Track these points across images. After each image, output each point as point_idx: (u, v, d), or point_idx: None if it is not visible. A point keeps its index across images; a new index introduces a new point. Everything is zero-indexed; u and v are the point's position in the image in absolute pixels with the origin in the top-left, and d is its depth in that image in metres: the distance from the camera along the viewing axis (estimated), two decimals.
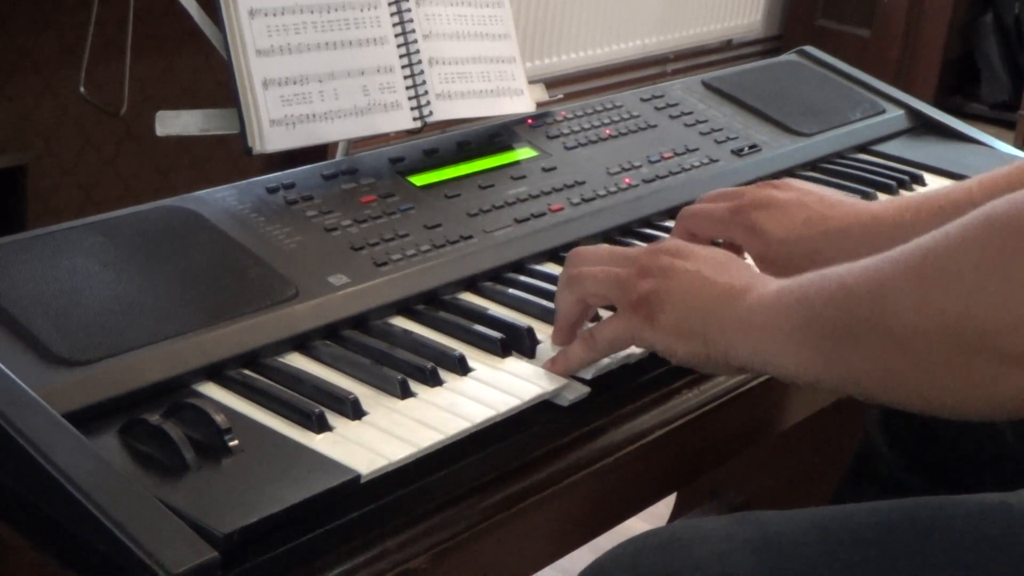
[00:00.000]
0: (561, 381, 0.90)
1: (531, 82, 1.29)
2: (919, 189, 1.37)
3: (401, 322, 0.96)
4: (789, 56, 1.63)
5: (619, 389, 0.93)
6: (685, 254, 0.90)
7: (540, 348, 0.93)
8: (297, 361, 0.89)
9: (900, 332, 0.75)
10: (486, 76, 1.23)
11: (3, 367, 0.77)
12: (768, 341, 0.83)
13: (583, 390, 0.90)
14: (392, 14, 1.16)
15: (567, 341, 0.93)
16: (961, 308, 0.71)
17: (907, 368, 0.75)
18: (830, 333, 0.79)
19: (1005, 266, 0.70)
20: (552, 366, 0.91)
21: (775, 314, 0.83)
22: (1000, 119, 4.12)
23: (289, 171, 1.07)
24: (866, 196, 1.30)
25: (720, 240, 1.07)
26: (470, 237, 1.05)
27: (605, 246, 0.96)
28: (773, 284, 0.86)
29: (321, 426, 0.80)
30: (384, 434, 0.80)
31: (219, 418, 0.76)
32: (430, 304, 0.99)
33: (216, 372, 0.85)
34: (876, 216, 1.03)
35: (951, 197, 1.03)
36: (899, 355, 0.75)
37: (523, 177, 1.17)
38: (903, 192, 1.35)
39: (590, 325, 0.95)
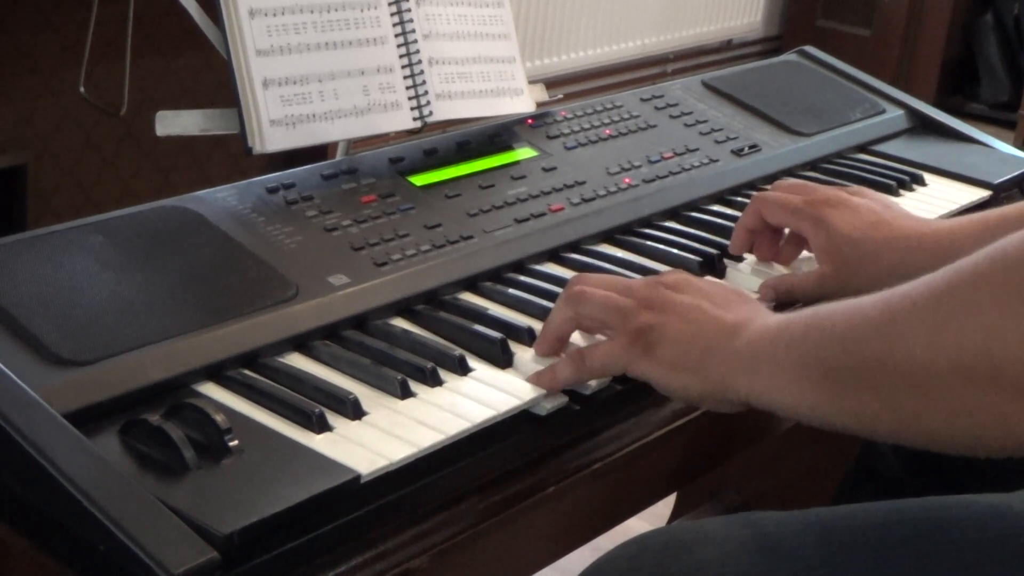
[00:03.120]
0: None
1: (531, 82, 1.29)
2: (919, 189, 1.37)
3: (401, 322, 0.96)
4: (789, 56, 1.63)
5: (619, 389, 0.93)
6: (684, 287, 0.90)
7: (529, 354, 0.92)
8: (297, 361, 0.89)
9: (912, 370, 0.74)
10: (486, 76, 1.23)
11: (3, 367, 0.77)
12: (769, 378, 0.82)
13: (564, 399, 0.89)
14: (392, 14, 1.16)
15: (549, 353, 0.92)
16: (978, 345, 0.71)
17: (920, 407, 0.74)
18: (836, 372, 0.78)
19: (1022, 304, 0.70)
20: (537, 380, 0.89)
21: (776, 349, 0.82)
22: (1000, 119, 4.12)
23: (289, 171, 1.07)
24: None
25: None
26: (470, 237, 1.05)
27: (607, 275, 0.96)
28: (774, 318, 0.85)
29: (321, 426, 0.80)
30: (384, 434, 0.80)
31: (219, 418, 0.76)
32: (430, 304, 0.99)
33: (216, 372, 0.85)
34: (935, 231, 1.05)
35: (992, 218, 1.05)
36: (911, 393, 0.74)
37: (523, 177, 1.17)
38: (903, 192, 1.35)
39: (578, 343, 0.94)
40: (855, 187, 1.15)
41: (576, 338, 0.94)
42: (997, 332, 0.70)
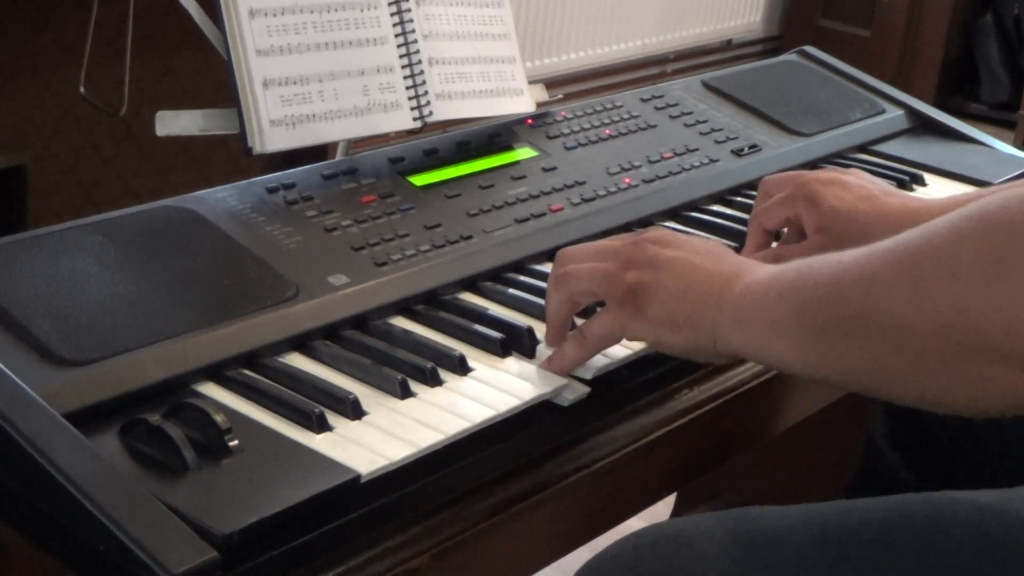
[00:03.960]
0: (561, 381, 0.90)
1: (531, 82, 1.29)
2: (919, 189, 1.37)
3: (401, 322, 0.96)
4: (789, 56, 1.63)
5: (619, 389, 0.93)
6: (668, 242, 0.90)
7: (540, 348, 0.93)
8: (297, 361, 0.89)
9: (893, 329, 0.74)
10: (486, 76, 1.23)
11: (3, 367, 0.77)
12: (758, 330, 0.82)
13: (583, 390, 0.90)
14: (392, 14, 1.16)
15: (559, 341, 0.93)
16: (957, 307, 0.71)
17: (900, 365, 0.75)
18: (821, 326, 0.79)
19: (1002, 266, 0.70)
20: (548, 365, 0.90)
21: (765, 303, 0.82)
22: (1000, 119, 4.12)
23: (289, 171, 1.07)
24: None
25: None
26: (470, 237, 1.05)
27: (591, 243, 0.96)
28: (764, 271, 0.85)
29: (321, 426, 0.80)
30: (384, 434, 0.80)
31: (219, 418, 0.76)
32: (430, 304, 0.99)
33: (216, 372, 0.85)
34: (926, 207, 1.06)
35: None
36: (892, 351, 0.75)
37: (523, 177, 1.17)
38: (911, 192, 1.35)
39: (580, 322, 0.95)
40: (850, 169, 1.15)
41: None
42: (975, 294, 0.70)
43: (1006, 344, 0.70)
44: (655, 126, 1.34)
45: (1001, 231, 0.71)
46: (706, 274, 0.86)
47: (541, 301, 0.99)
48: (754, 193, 1.27)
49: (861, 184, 1.08)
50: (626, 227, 1.16)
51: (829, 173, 1.10)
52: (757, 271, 0.86)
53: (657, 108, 1.37)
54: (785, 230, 1.11)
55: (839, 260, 0.79)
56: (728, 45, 4.06)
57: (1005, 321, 0.69)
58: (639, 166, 1.25)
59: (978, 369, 0.71)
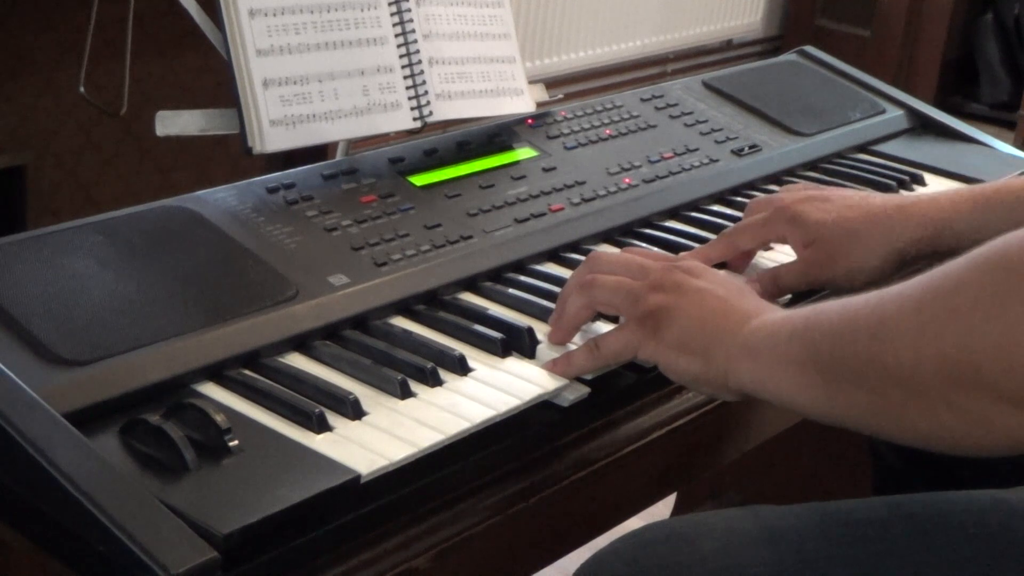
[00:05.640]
0: (561, 381, 0.90)
1: (531, 82, 1.29)
2: (919, 189, 1.37)
3: (401, 322, 0.96)
4: (789, 56, 1.63)
5: (619, 389, 0.93)
6: (699, 273, 0.91)
7: (540, 348, 0.93)
8: (297, 361, 0.89)
9: (898, 369, 0.75)
10: (486, 76, 1.23)
11: (3, 367, 0.77)
12: (768, 368, 0.83)
13: (583, 390, 0.90)
14: (392, 14, 1.16)
15: (563, 341, 0.93)
16: (958, 347, 0.72)
17: (904, 405, 0.75)
18: (830, 366, 0.79)
19: (1001, 306, 0.70)
20: (553, 367, 0.90)
21: (777, 341, 0.83)
22: (1000, 119, 4.11)
23: (289, 171, 1.07)
24: None
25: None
26: (470, 237, 1.05)
27: (624, 254, 0.96)
28: (779, 312, 0.86)
29: (321, 426, 0.80)
30: (384, 434, 0.80)
31: (219, 418, 0.76)
32: (430, 304, 0.99)
33: (216, 372, 0.85)
34: (916, 203, 1.07)
35: (988, 191, 1.07)
36: (897, 392, 0.75)
37: (523, 177, 1.17)
38: (903, 192, 1.35)
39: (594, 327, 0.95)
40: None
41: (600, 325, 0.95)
42: (976, 334, 0.71)
43: (1007, 384, 0.70)
44: (655, 126, 1.34)
45: (1002, 271, 0.71)
46: (727, 308, 0.87)
47: (541, 301, 0.99)
48: (754, 193, 1.27)
49: (841, 194, 1.09)
50: (626, 227, 1.16)
51: (804, 192, 1.10)
52: (774, 311, 0.87)
53: (657, 108, 1.37)
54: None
55: (848, 303, 0.80)
56: (728, 45, 4.06)
57: (1006, 361, 0.70)
58: (639, 166, 1.25)
59: (980, 409, 0.72)
